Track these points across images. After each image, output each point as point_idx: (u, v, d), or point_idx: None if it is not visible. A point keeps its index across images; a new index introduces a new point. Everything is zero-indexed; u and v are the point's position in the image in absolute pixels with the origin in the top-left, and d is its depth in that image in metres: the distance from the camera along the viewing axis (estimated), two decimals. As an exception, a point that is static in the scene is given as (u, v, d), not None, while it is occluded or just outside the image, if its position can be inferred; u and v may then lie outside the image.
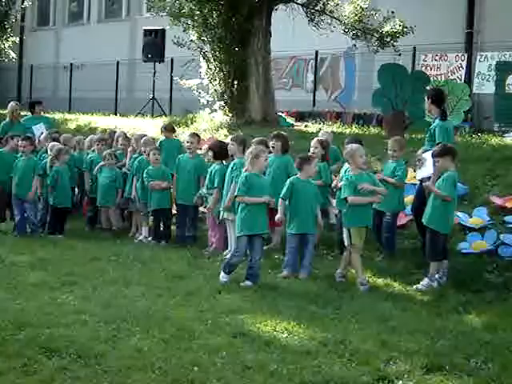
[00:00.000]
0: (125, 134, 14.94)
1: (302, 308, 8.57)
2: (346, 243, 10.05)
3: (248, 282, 9.68)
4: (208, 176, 11.91)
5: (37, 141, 14.78)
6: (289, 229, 10.46)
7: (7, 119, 16.39)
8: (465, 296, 9.32)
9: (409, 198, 11.97)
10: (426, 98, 11.11)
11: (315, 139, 12.11)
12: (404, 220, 11.98)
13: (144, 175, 12.80)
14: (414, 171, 12.43)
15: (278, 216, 10.49)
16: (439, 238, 9.83)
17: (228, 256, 10.51)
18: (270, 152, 11.96)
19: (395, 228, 11.36)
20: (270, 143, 11.97)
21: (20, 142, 13.42)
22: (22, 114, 17.25)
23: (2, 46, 30.83)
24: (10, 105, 16.67)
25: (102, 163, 13.70)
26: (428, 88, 14.46)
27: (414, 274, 10.39)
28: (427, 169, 10.51)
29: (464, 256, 10.82)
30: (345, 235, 10.04)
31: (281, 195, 10.47)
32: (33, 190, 13.17)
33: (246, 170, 10.12)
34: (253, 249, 9.89)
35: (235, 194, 10.23)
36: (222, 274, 9.82)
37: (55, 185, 13.23)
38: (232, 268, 9.87)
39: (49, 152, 13.74)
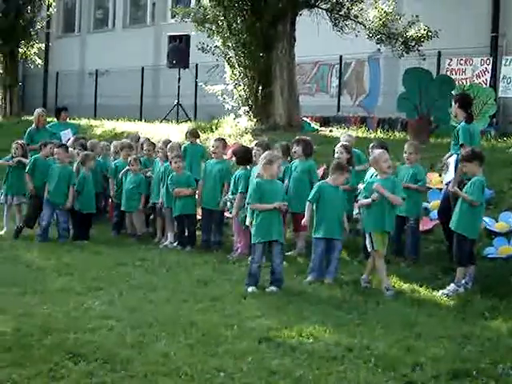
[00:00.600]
0: (149, 139, 15.01)
1: (327, 313, 8.55)
2: (369, 249, 10.03)
3: (273, 288, 9.67)
4: (232, 181, 11.94)
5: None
6: (315, 233, 10.43)
7: (33, 125, 16.51)
8: (491, 301, 9.25)
9: (435, 203, 11.95)
10: (452, 103, 11.11)
11: (339, 144, 12.07)
12: (429, 225, 11.94)
13: (168, 182, 12.84)
14: (440, 176, 12.43)
15: (304, 219, 10.48)
16: (467, 242, 9.77)
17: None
18: (291, 159, 12.04)
19: (419, 233, 11.35)
20: (292, 148, 12.05)
21: (56, 149, 13.51)
22: (48, 120, 17.36)
23: (28, 53, 31.11)
24: (36, 111, 16.81)
25: (126, 168, 13.77)
26: (454, 93, 14.41)
27: (439, 279, 10.34)
28: (450, 173, 10.49)
29: (490, 261, 10.78)
30: (367, 241, 10.02)
31: (308, 198, 10.46)
32: (69, 199, 13.21)
33: (258, 175, 10.12)
34: (272, 254, 9.89)
35: (247, 201, 10.28)
36: (248, 288, 9.70)
37: (81, 190, 13.32)
38: (255, 278, 9.80)
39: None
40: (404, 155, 11.40)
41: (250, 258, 11.04)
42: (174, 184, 12.73)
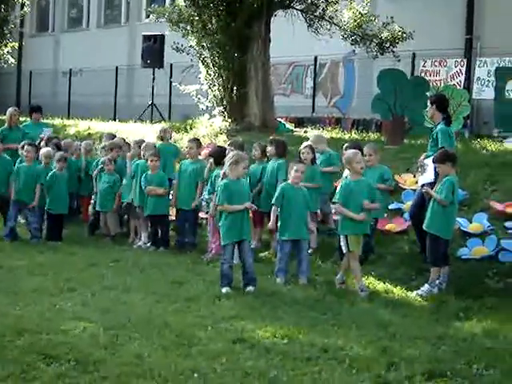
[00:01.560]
0: (124, 139, 14.95)
1: (301, 314, 8.55)
2: (344, 250, 10.01)
3: (250, 288, 9.65)
4: (209, 181, 11.89)
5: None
6: (281, 236, 10.39)
7: (5, 125, 16.35)
8: (465, 302, 9.30)
9: (409, 204, 11.96)
10: (428, 104, 11.09)
11: (305, 145, 11.93)
12: (404, 226, 11.96)
13: (142, 180, 12.78)
14: (414, 177, 12.46)
15: (269, 224, 10.42)
16: (440, 243, 9.80)
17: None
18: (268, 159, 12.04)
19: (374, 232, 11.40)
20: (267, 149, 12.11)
21: (26, 146, 13.46)
22: (21, 119, 17.22)
23: (1, 52, 30.86)
24: (8, 110, 16.63)
25: (99, 167, 13.72)
26: (429, 94, 14.43)
27: (413, 280, 10.38)
28: (428, 174, 10.49)
29: (464, 262, 10.79)
30: (342, 242, 10.00)
31: (273, 201, 10.44)
32: (36, 197, 13.14)
33: (223, 174, 10.10)
34: (243, 253, 9.88)
35: (215, 202, 10.25)
36: (222, 288, 9.68)
37: (50, 189, 13.20)
38: (228, 278, 9.76)
39: (41, 158, 13.59)
40: (364, 158, 11.28)
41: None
42: (148, 182, 12.67)
